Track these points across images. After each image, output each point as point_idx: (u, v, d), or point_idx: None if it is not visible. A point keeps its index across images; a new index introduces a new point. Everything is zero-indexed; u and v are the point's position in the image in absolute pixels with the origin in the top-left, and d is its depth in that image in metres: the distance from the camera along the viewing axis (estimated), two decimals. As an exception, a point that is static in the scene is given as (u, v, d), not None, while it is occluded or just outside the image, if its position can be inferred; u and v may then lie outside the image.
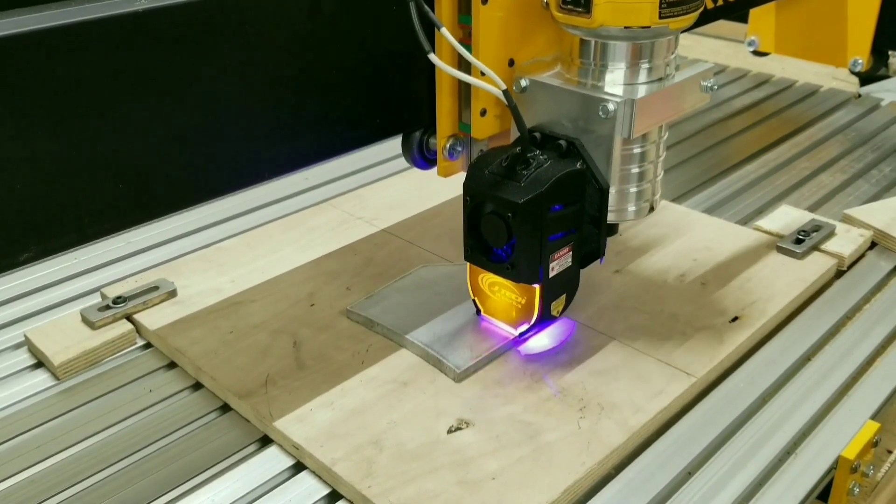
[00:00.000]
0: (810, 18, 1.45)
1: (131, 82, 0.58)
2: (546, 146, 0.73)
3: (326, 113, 0.70)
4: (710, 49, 1.74)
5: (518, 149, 0.71)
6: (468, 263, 0.80)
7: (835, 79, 1.56)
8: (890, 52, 1.48)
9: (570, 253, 0.75)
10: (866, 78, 1.52)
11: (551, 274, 0.74)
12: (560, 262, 0.74)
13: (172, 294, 0.91)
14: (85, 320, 0.86)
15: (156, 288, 0.91)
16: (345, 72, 0.70)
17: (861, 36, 1.40)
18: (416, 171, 0.81)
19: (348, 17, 0.68)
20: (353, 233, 1.03)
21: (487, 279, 0.80)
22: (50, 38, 0.53)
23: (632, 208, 0.75)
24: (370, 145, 0.76)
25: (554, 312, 0.78)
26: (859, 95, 1.50)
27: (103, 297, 0.91)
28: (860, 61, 1.41)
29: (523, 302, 0.78)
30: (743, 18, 1.53)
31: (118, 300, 0.88)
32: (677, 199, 1.13)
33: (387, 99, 0.74)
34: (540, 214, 0.70)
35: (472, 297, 0.83)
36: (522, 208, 0.69)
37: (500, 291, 0.80)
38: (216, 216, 1.11)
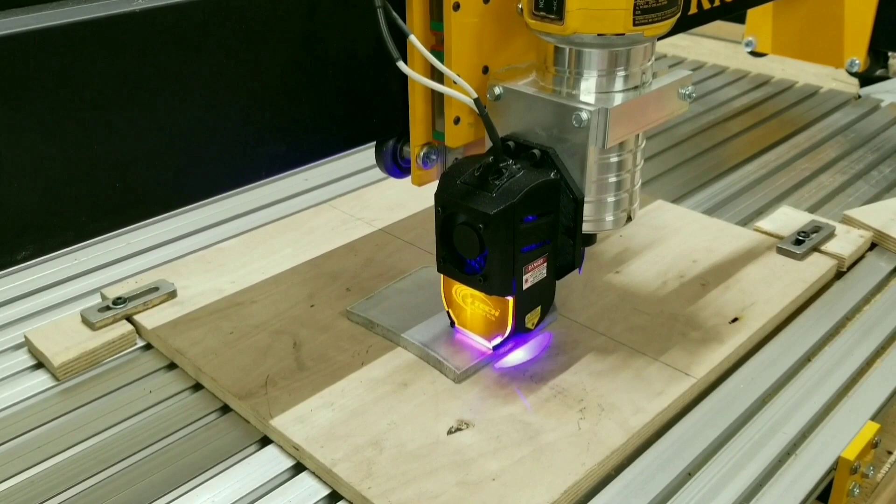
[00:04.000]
0: (807, 19, 1.45)
1: (128, 81, 0.58)
2: (520, 155, 0.71)
3: (325, 112, 0.70)
4: (709, 50, 1.74)
5: (491, 158, 0.69)
6: (441, 276, 0.78)
7: (835, 80, 1.56)
8: (890, 53, 1.48)
9: (545, 264, 0.73)
10: (866, 79, 1.52)
11: (525, 286, 0.72)
12: (534, 274, 0.72)
13: (172, 295, 0.91)
14: (85, 321, 0.86)
15: (156, 289, 0.91)
16: (343, 70, 0.70)
17: (858, 36, 1.40)
18: (415, 171, 0.80)
19: (345, 16, 0.68)
20: (354, 233, 1.03)
21: (461, 291, 0.79)
22: (47, 38, 0.53)
23: (609, 218, 0.73)
24: (369, 144, 0.76)
25: (529, 325, 0.77)
26: (859, 96, 1.50)
27: (103, 297, 0.91)
28: (857, 62, 1.41)
29: (497, 314, 0.77)
30: (741, 19, 1.53)
31: (118, 301, 0.88)
32: (677, 199, 1.13)
33: (385, 98, 0.74)
34: (512, 225, 0.68)
35: (447, 308, 0.81)
36: (494, 219, 0.67)
37: (474, 303, 0.78)
38: (216, 217, 1.11)
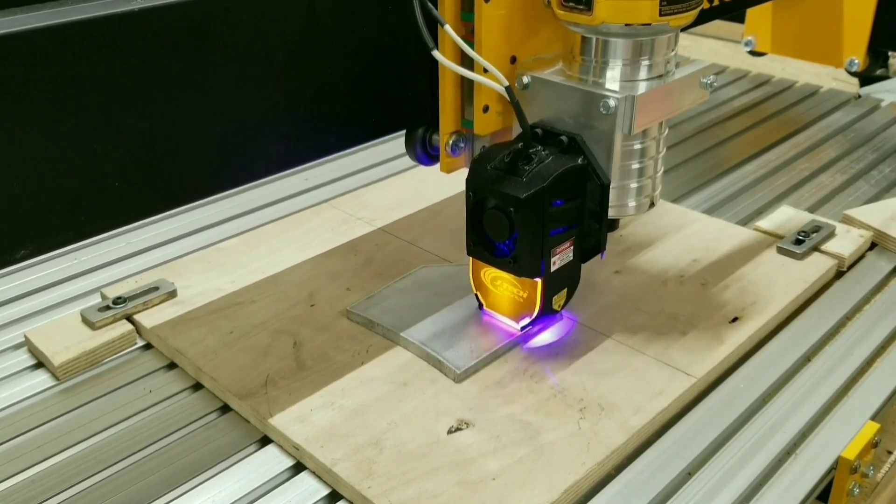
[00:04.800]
0: (807, 18, 1.45)
1: (126, 81, 0.58)
2: (547, 142, 0.73)
3: (323, 111, 0.70)
4: (709, 49, 1.74)
5: (520, 144, 0.72)
6: (470, 259, 0.80)
7: (835, 79, 1.56)
8: (890, 53, 1.48)
9: (571, 247, 0.75)
10: (866, 78, 1.52)
11: (553, 268, 0.74)
12: (561, 257, 0.75)
13: (172, 294, 0.91)
14: (85, 321, 0.86)
15: (156, 288, 0.91)
16: (341, 69, 0.70)
17: (857, 36, 1.40)
18: (416, 171, 0.81)
19: (344, 14, 0.68)
20: (354, 233, 1.03)
21: (490, 274, 0.81)
22: (45, 38, 0.53)
23: (632, 204, 0.76)
24: (367, 143, 0.76)
25: (555, 306, 0.79)
26: (859, 96, 1.50)
27: (103, 297, 0.91)
28: (856, 61, 1.41)
29: (525, 296, 0.79)
30: (741, 18, 1.53)
31: (118, 301, 0.88)
32: (677, 199, 1.13)
33: (384, 97, 0.74)
34: (541, 209, 0.70)
35: (475, 291, 0.83)
36: (524, 203, 0.70)
37: (503, 286, 0.80)
38: (216, 217, 1.11)
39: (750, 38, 1.52)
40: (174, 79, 0.60)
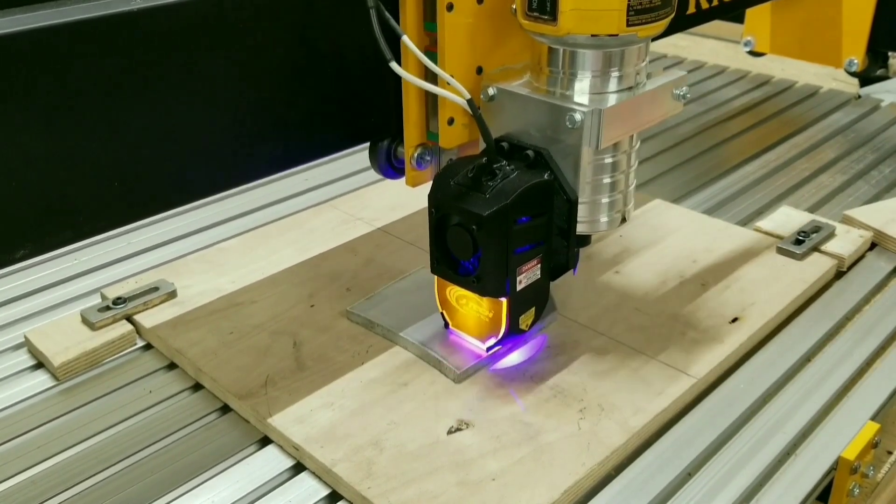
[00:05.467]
0: (806, 19, 1.45)
1: (126, 81, 0.58)
2: (514, 156, 0.71)
3: (323, 111, 0.70)
4: (709, 50, 1.74)
5: (484, 159, 0.69)
6: (435, 277, 0.78)
7: (835, 80, 1.56)
8: (890, 53, 1.48)
9: (539, 265, 0.73)
10: (866, 78, 1.52)
11: (519, 287, 0.72)
12: (528, 275, 0.72)
13: (172, 295, 0.91)
14: (85, 321, 0.86)
15: (156, 289, 0.91)
16: (341, 69, 0.70)
17: (856, 36, 1.40)
18: (416, 171, 0.80)
19: (344, 13, 0.68)
20: (354, 233, 1.03)
21: (455, 292, 0.79)
22: (44, 38, 0.53)
23: (604, 219, 0.73)
24: (367, 144, 0.76)
25: (523, 326, 0.76)
26: (859, 96, 1.50)
27: (103, 297, 0.91)
28: (855, 61, 1.41)
29: (491, 315, 0.77)
30: (741, 19, 1.53)
31: (118, 301, 0.88)
32: (677, 199, 1.13)
33: (384, 96, 0.74)
34: (506, 227, 0.68)
35: (440, 310, 0.81)
36: (487, 221, 0.67)
37: (468, 305, 0.78)
38: (216, 217, 1.11)
39: (749, 38, 1.52)
40: (174, 78, 0.60)
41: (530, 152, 0.70)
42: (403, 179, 0.78)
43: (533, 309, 0.77)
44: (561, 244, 0.73)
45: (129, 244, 1.05)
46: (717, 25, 1.33)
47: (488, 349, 0.79)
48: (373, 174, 1.24)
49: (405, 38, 0.65)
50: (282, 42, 0.66)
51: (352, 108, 0.72)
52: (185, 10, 0.59)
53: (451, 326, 0.81)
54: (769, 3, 1.40)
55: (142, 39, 0.58)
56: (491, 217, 0.67)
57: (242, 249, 1.01)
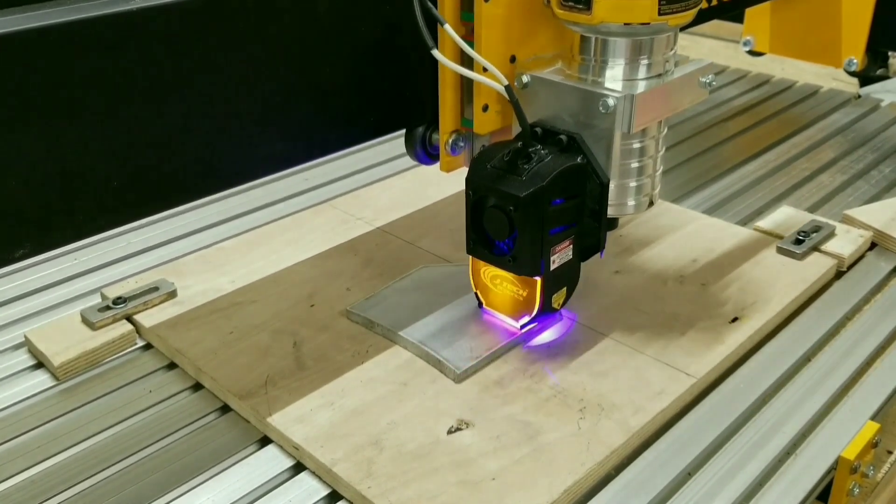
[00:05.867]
0: (805, 18, 1.45)
1: (124, 81, 0.58)
2: (547, 141, 0.74)
3: (323, 111, 0.70)
4: (709, 49, 1.74)
5: (519, 143, 0.72)
6: (470, 258, 0.80)
7: (835, 79, 1.56)
8: (890, 53, 1.48)
9: (571, 246, 0.76)
10: (866, 78, 1.52)
11: (552, 266, 0.75)
12: (561, 256, 0.75)
13: (172, 294, 0.91)
14: (85, 321, 0.86)
15: (156, 288, 0.91)
16: (341, 69, 0.70)
17: (856, 36, 1.40)
18: (416, 171, 0.81)
19: (344, 12, 0.68)
20: (353, 233, 1.03)
21: (489, 272, 0.81)
22: (43, 37, 0.53)
23: (631, 203, 0.76)
24: (367, 144, 0.76)
25: (555, 305, 0.79)
26: (859, 96, 1.50)
27: (103, 297, 0.91)
28: (855, 61, 1.41)
29: (525, 294, 0.79)
30: (740, 18, 1.53)
31: (118, 301, 0.88)
32: (677, 199, 1.13)
33: (384, 96, 0.74)
34: (541, 208, 0.71)
35: (475, 290, 0.83)
36: (524, 202, 0.70)
37: (502, 284, 0.81)
38: (216, 217, 1.11)
39: (748, 37, 1.52)
40: (173, 78, 0.60)
41: (563, 137, 0.73)
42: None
43: (565, 289, 0.79)
44: (592, 226, 0.76)
45: (129, 244, 1.05)
46: (716, 25, 1.34)
47: (521, 327, 0.81)
48: (373, 174, 1.25)
49: (447, 27, 0.67)
50: (284, 41, 0.66)
51: (353, 107, 0.72)
52: (184, 9, 0.59)
53: (484, 306, 0.83)
54: (769, 3, 1.40)
55: (141, 39, 0.57)
56: (528, 198, 0.70)
57: (242, 249, 1.01)
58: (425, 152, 0.80)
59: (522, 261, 0.74)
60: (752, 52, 1.54)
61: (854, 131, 1.36)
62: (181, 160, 0.63)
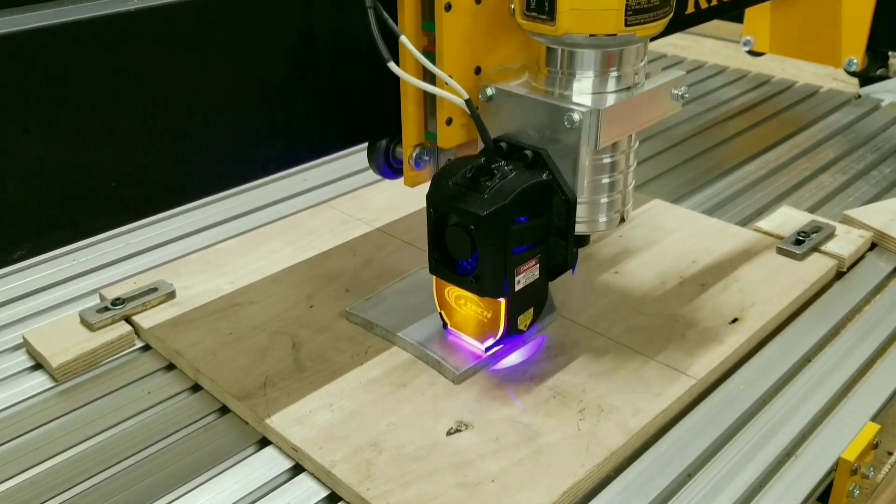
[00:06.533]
0: (805, 18, 1.45)
1: (123, 81, 0.58)
2: (512, 157, 0.71)
3: (322, 111, 0.70)
4: (709, 49, 1.74)
5: (483, 159, 0.69)
6: (434, 277, 0.78)
7: (835, 79, 1.56)
8: (890, 53, 1.48)
9: (537, 266, 0.73)
10: (866, 78, 1.52)
11: (517, 287, 0.72)
12: (526, 276, 0.72)
13: (171, 295, 0.91)
14: (83, 322, 0.86)
15: (154, 289, 0.90)
16: (340, 69, 0.70)
17: (856, 36, 1.40)
18: (415, 172, 0.80)
19: (342, 13, 0.68)
20: (353, 234, 1.03)
21: (454, 292, 0.79)
22: (42, 38, 0.53)
23: (602, 219, 0.73)
24: (366, 144, 0.75)
25: (521, 326, 0.76)
26: (859, 96, 1.50)
27: (102, 298, 0.91)
28: (855, 61, 1.41)
29: (489, 316, 0.76)
30: (740, 18, 1.53)
31: (117, 302, 0.88)
32: (677, 200, 1.13)
33: (384, 97, 0.74)
34: (504, 227, 0.68)
35: (439, 310, 0.81)
36: (485, 221, 0.67)
37: (467, 305, 0.78)
38: (215, 217, 1.11)
39: (748, 37, 1.52)
40: (172, 79, 0.60)
41: (528, 152, 0.70)
42: (401, 180, 0.77)
43: (531, 309, 0.77)
44: (560, 244, 0.73)
45: (127, 245, 1.05)
46: (716, 25, 1.33)
47: (487, 350, 0.78)
48: (372, 175, 1.24)
49: (403, 39, 0.65)
50: (280, 43, 0.65)
51: (352, 108, 0.72)
52: (183, 9, 0.59)
53: (449, 327, 0.81)
54: (768, 3, 1.40)
55: (139, 39, 0.57)
56: (489, 217, 0.67)
57: (241, 250, 1.00)
58: (388, 166, 0.76)
59: (485, 282, 0.70)
60: (752, 52, 1.54)
61: (854, 131, 1.36)
62: (182, 161, 0.63)
